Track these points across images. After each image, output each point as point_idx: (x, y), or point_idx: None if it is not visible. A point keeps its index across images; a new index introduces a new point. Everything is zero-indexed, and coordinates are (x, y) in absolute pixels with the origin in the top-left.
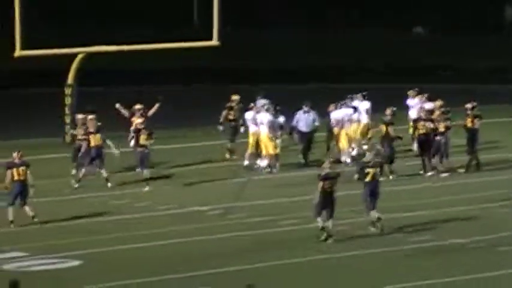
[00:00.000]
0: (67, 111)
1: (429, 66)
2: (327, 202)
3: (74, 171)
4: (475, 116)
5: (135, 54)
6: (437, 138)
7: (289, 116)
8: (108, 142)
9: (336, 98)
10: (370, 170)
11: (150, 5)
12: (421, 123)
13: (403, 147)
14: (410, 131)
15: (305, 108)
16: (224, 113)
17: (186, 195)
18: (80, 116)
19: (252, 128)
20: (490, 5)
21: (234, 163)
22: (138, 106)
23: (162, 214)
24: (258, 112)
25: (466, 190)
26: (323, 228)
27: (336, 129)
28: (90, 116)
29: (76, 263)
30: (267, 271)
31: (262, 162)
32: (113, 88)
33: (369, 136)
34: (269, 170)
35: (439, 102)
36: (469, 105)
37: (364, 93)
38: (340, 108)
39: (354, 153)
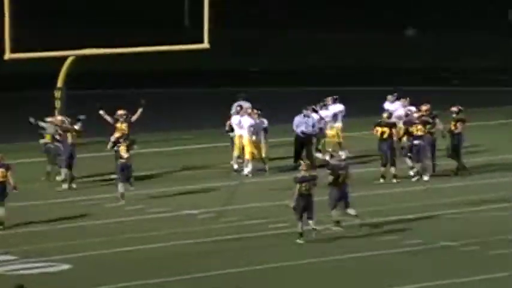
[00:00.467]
0: (57, 114)
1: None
2: (306, 205)
3: (58, 177)
4: (458, 120)
5: (125, 56)
6: (416, 142)
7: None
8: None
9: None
10: (340, 173)
11: (140, 8)
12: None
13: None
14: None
15: (305, 112)
16: (228, 122)
17: (177, 199)
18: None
19: (237, 132)
20: (489, 5)
21: (225, 166)
22: (121, 112)
23: (153, 217)
24: (242, 116)
25: (456, 193)
26: (301, 234)
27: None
28: (59, 117)
29: (66, 266)
30: (255, 275)
31: (246, 169)
32: (99, 91)
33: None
34: (251, 175)
35: (425, 107)
36: (454, 109)
37: (335, 97)
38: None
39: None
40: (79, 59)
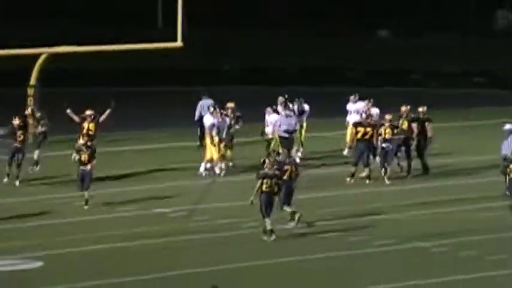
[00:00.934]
0: (29, 111)
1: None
2: (269, 201)
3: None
4: (425, 121)
5: (97, 54)
6: (384, 145)
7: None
8: None
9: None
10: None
11: (114, 6)
12: (360, 128)
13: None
14: (348, 136)
15: (287, 112)
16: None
17: (149, 197)
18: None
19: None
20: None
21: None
22: (88, 112)
23: (124, 215)
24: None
25: (427, 194)
26: (272, 230)
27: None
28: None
29: (38, 264)
30: (229, 273)
31: (216, 168)
32: (71, 89)
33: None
34: (207, 173)
35: (388, 116)
36: (420, 109)
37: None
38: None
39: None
40: (52, 57)
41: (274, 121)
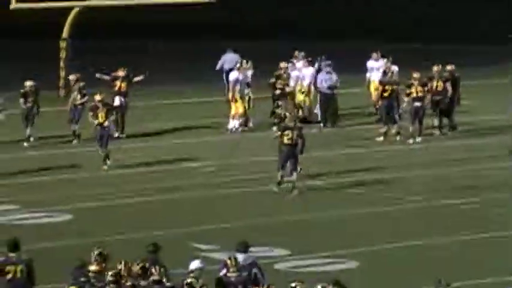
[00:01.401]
0: (62, 64)
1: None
2: (289, 155)
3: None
4: (447, 80)
5: (131, 8)
6: (417, 104)
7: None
8: None
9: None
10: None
11: None
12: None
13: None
14: (374, 94)
15: (328, 69)
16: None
17: (179, 152)
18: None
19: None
20: None
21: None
22: (121, 73)
23: (154, 170)
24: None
25: (458, 151)
26: (280, 183)
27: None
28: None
29: (67, 217)
30: (256, 228)
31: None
32: (110, 42)
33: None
34: (235, 129)
35: (416, 74)
36: (448, 68)
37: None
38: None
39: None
40: (85, 10)
41: (311, 75)
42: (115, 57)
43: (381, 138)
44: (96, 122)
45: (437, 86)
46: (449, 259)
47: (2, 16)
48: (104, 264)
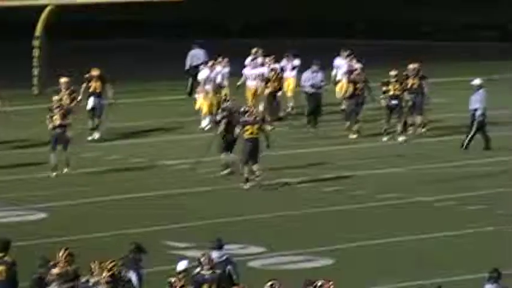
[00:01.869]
0: (35, 63)
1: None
2: (251, 149)
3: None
4: (423, 77)
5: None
6: (394, 102)
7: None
8: None
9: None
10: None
11: None
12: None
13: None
14: (340, 90)
15: (314, 68)
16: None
17: (152, 150)
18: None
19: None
20: None
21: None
22: (94, 72)
23: (128, 167)
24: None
25: (428, 149)
26: (247, 179)
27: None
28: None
29: (41, 215)
30: (231, 225)
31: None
32: (74, 41)
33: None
34: (209, 126)
35: (393, 72)
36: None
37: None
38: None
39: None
40: (57, 9)
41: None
42: (87, 55)
43: (354, 136)
44: (51, 125)
45: (412, 84)
46: (423, 256)
47: None
48: (68, 265)
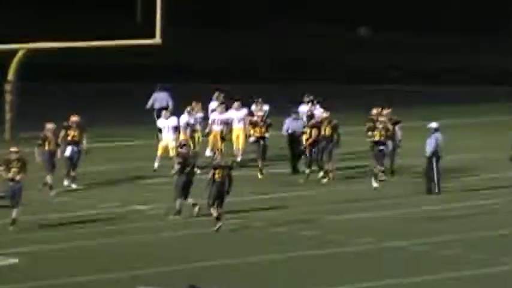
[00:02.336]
0: (7, 108)
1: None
2: (218, 192)
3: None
4: (396, 123)
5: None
6: (381, 147)
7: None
8: None
9: None
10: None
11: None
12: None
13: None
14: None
15: (294, 116)
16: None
17: (127, 195)
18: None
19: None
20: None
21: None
22: (74, 118)
23: (100, 212)
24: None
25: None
26: (218, 218)
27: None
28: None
29: (12, 261)
30: (205, 270)
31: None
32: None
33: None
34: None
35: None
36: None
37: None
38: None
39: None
40: (30, 52)
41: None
42: (59, 99)
43: (325, 180)
44: (8, 176)
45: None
46: None
47: None
48: None
